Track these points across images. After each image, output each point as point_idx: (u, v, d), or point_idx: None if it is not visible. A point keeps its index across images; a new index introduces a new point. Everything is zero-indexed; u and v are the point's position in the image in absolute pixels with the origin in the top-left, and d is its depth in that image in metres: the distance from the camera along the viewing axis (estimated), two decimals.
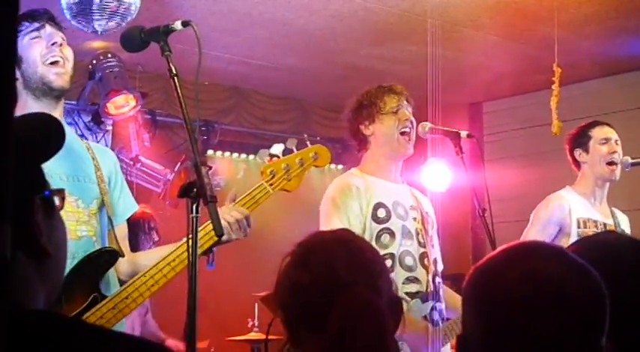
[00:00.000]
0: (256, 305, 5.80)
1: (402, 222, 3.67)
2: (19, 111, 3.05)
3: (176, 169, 6.46)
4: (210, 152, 7.63)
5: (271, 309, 2.39)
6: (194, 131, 2.52)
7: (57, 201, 1.22)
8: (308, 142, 3.24)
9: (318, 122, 8.17)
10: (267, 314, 5.74)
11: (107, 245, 3.01)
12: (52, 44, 2.88)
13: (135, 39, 2.72)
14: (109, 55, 5.83)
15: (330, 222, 3.55)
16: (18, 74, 2.88)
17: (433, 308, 3.66)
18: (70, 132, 3.14)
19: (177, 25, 2.66)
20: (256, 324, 5.92)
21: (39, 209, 1.16)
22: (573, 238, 4.21)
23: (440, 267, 3.86)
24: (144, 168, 6.41)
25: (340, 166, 8.44)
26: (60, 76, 2.88)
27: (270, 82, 7.53)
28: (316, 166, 3.19)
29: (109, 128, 6.46)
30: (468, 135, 3.88)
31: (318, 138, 8.28)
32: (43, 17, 2.90)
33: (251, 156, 7.94)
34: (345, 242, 1.99)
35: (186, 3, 5.52)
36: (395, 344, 1.87)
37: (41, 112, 1.23)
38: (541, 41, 6.12)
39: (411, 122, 3.79)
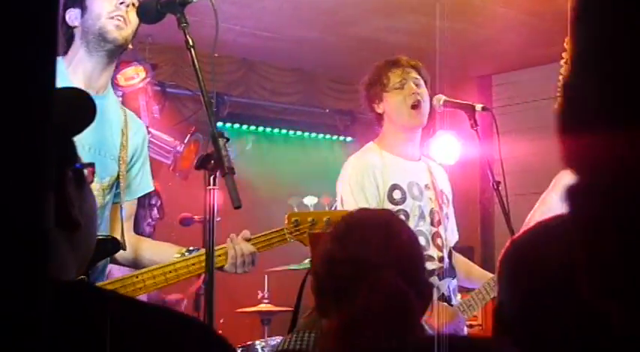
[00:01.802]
0: (266, 277, 5.81)
1: (417, 203, 3.63)
2: (70, 59, 2.99)
3: (185, 141, 6.45)
4: (219, 124, 7.63)
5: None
6: (211, 103, 2.51)
7: (87, 173, 1.24)
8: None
9: (327, 94, 8.14)
10: (276, 287, 5.75)
11: (108, 218, 2.99)
12: (121, 3, 2.88)
13: (151, 10, 2.70)
14: None
15: (347, 201, 3.53)
16: (78, 22, 2.89)
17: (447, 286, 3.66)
18: (113, 100, 3.12)
19: None
20: (266, 296, 5.94)
21: (70, 181, 1.17)
22: None
23: (451, 243, 3.85)
24: (153, 140, 6.39)
25: (349, 139, 8.42)
26: (118, 29, 2.86)
27: (279, 53, 7.50)
28: None
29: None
30: (483, 108, 3.83)
31: (326, 110, 8.27)
32: None
33: (260, 128, 7.96)
34: (384, 225, 2.04)
35: None
36: (421, 328, 1.92)
37: (74, 88, 1.24)
38: (552, 14, 6.08)
39: (419, 94, 3.71)
